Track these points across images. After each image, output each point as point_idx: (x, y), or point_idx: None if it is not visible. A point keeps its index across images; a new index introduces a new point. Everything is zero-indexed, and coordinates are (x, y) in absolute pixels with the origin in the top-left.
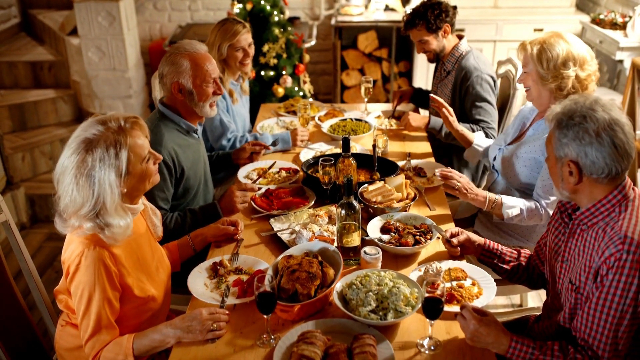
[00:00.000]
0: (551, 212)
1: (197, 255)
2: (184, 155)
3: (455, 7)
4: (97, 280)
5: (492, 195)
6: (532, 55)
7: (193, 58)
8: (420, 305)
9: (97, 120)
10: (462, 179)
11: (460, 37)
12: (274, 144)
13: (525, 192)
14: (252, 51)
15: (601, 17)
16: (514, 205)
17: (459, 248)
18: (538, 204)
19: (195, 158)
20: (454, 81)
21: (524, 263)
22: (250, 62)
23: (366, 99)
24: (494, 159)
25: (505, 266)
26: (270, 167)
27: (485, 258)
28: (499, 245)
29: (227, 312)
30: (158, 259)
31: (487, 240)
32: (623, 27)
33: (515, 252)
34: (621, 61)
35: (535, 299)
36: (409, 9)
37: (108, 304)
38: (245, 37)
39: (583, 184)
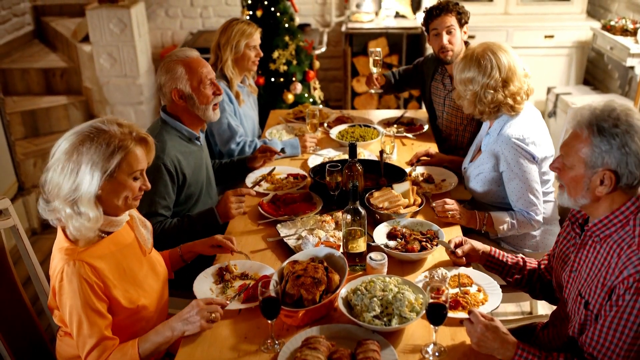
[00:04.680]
0: (541, 218)
1: (204, 260)
2: (186, 163)
3: None
4: (80, 297)
5: (481, 214)
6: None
7: (186, 63)
8: (424, 311)
9: (116, 120)
10: (453, 207)
11: (466, 44)
12: (282, 151)
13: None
14: (261, 52)
15: (612, 23)
16: (504, 221)
17: (464, 258)
18: (524, 215)
19: (197, 165)
20: None
21: (526, 274)
22: (257, 62)
23: (375, 70)
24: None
25: (509, 279)
26: (269, 173)
27: (491, 264)
28: (504, 254)
29: (226, 302)
30: (150, 267)
31: (492, 248)
32: (634, 33)
33: (521, 262)
34: (632, 67)
35: (545, 307)
36: (419, 15)
37: (98, 316)
38: (257, 37)
39: (611, 194)
